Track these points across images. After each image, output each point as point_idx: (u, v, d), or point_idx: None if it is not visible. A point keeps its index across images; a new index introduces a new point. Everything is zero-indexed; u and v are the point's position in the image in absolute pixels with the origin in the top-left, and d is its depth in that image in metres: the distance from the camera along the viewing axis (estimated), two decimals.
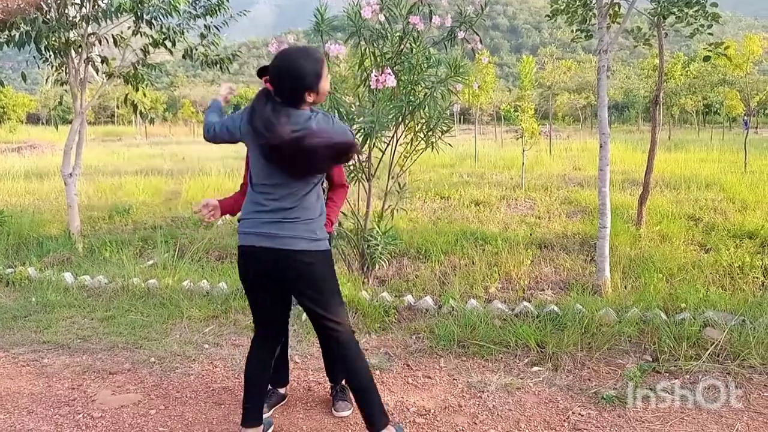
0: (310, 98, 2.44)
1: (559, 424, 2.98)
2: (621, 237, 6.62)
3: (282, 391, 3.24)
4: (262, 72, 2.55)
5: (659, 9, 6.42)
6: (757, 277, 5.43)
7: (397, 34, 4.82)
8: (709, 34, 6.48)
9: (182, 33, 7.08)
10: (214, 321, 4.48)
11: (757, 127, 40.78)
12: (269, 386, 3.01)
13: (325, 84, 2.47)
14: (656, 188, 10.14)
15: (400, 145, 5.22)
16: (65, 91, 7.26)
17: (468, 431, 2.95)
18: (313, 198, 2.52)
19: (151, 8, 6.61)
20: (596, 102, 5.34)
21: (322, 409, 3.16)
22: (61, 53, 6.70)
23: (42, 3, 6.39)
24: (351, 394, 3.19)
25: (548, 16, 7.05)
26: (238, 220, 2.62)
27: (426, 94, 4.76)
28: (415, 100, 4.77)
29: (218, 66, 7.40)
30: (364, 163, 5.02)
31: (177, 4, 6.69)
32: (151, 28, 6.90)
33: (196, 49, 7.27)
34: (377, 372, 3.58)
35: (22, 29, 6.22)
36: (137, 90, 7.45)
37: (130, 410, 3.16)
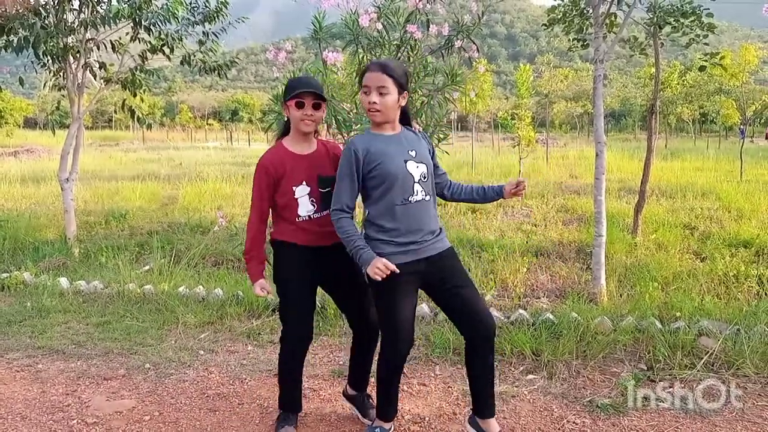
0: None
1: None
2: (617, 245, 6.63)
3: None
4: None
5: (655, 19, 6.46)
6: (751, 287, 5.44)
7: (395, 42, 4.84)
8: (705, 44, 6.52)
9: (180, 39, 7.08)
10: (209, 327, 4.48)
11: (753, 136, 40.98)
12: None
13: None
14: (652, 197, 10.16)
15: None
16: (63, 95, 7.27)
17: None
18: None
19: (149, 15, 6.63)
20: (593, 110, 5.36)
21: (322, 418, 3.16)
22: (59, 58, 6.71)
23: (40, 8, 6.41)
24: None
25: (545, 25, 7.08)
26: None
27: (423, 102, 4.78)
28: (413, 108, 4.79)
29: (216, 72, 7.40)
30: None
31: (175, 11, 6.71)
32: (149, 35, 6.91)
33: (195, 56, 7.27)
34: (372, 379, 3.57)
35: (20, 34, 6.24)
36: (135, 95, 7.46)
37: (125, 416, 3.15)
